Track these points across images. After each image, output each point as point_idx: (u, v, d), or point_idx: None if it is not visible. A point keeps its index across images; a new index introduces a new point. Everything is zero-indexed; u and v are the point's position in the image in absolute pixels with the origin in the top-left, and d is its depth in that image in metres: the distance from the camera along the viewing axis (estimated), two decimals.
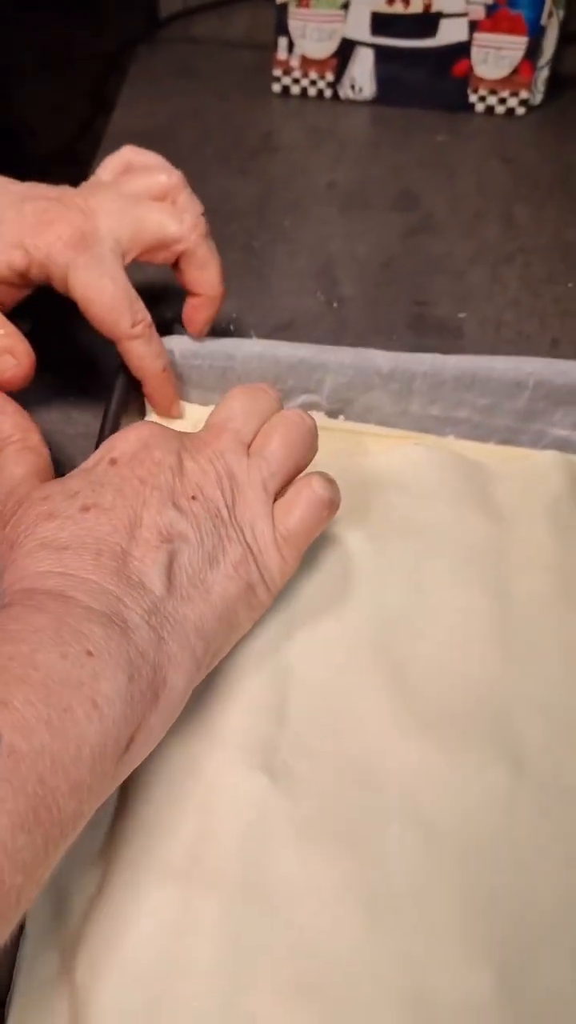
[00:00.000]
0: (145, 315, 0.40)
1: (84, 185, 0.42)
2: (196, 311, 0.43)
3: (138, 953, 0.28)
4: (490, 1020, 0.27)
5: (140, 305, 0.40)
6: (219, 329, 0.50)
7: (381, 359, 0.43)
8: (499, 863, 0.30)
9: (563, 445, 0.44)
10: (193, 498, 0.33)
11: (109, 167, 0.44)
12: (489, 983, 0.27)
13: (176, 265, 0.42)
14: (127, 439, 0.34)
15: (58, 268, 0.38)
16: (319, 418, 0.44)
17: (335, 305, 0.52)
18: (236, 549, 0.33)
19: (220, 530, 0.33)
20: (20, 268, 0.39)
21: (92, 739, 0.26)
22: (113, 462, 0.33)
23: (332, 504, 0.36)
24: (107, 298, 0.39)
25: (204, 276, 0.42)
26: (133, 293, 0.40)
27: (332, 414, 0.45)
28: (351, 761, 0.32)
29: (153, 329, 0.41)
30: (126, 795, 0.32)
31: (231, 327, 0.51)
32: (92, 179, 0.44)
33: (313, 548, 0.38)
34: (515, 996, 0.27)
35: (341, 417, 0.45)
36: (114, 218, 0.40)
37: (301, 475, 0.36)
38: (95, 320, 0.39)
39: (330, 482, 0.36)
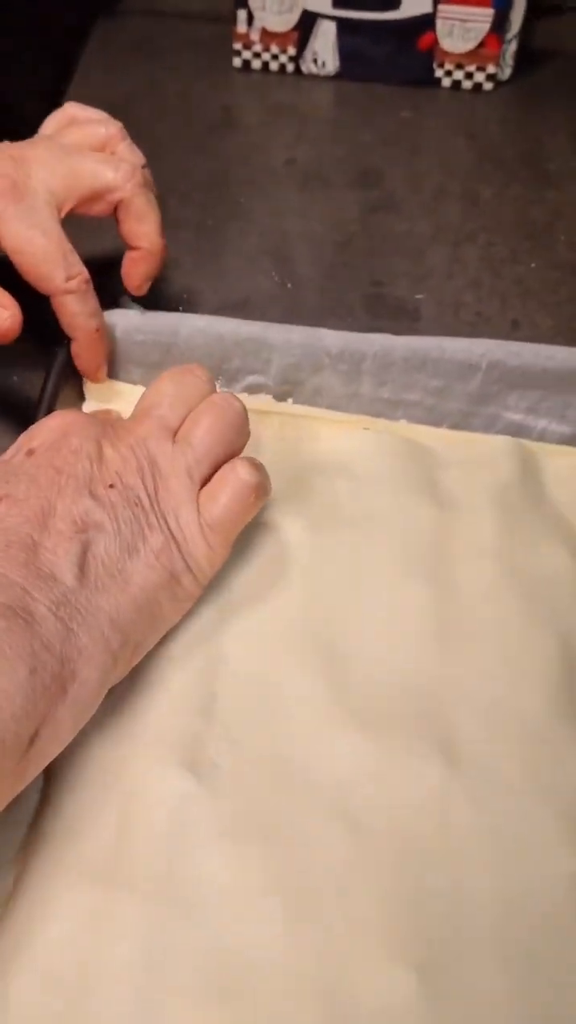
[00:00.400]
0: (81, 270, 0.38)
1: (26, 140, 0.41)
2: (135, 265, 0.41)
3: (53, 955, 0.27)
4: (411, 1022, 0.26)
5: (76, 259, 0.38)
6: (169, 308, 0.49)
7: (330, 339, 0.42)
8: (428, 860, 0.29)
9: (517, 430, 0.43)
10: (111, 486, 0.31)
11: (52, 122, 0.43)
12: (411, 984, 0.26)
13: (115, 218, 0.41)
14: (46, 428, 0.33)
15: None
16: (268, 402, 0.43)
17: (289, 286, 0.51)
18: (157, 537, 0.32)
19: (140, 518, 0.31)
20: None
21: None
22: (30, 452, 0.32)
23: (259, 489, 0.34)
24: (38, 249, 0.37)
25: (142, 228, 0.40)
26: (68, 246, 0.38)
27: (281, 396, 0.43)
28: (280, 757, 0.31)
29: (90, 286, 0.39)
30: (48, 793, 0.30)
31: (181, 308, 0.49)
32: (36, 136, 0.42)
33: (251, 537, 0.37)
34: (438, 998, 0.26)
35: (290, 400, 0.43)
36: (48, 168, 0.38)
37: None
38: (27, 273, 0.38)
39: (257, 467, 0.35)
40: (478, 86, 0.65)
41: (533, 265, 0.53)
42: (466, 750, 0.32)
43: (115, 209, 0.40)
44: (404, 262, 0.52)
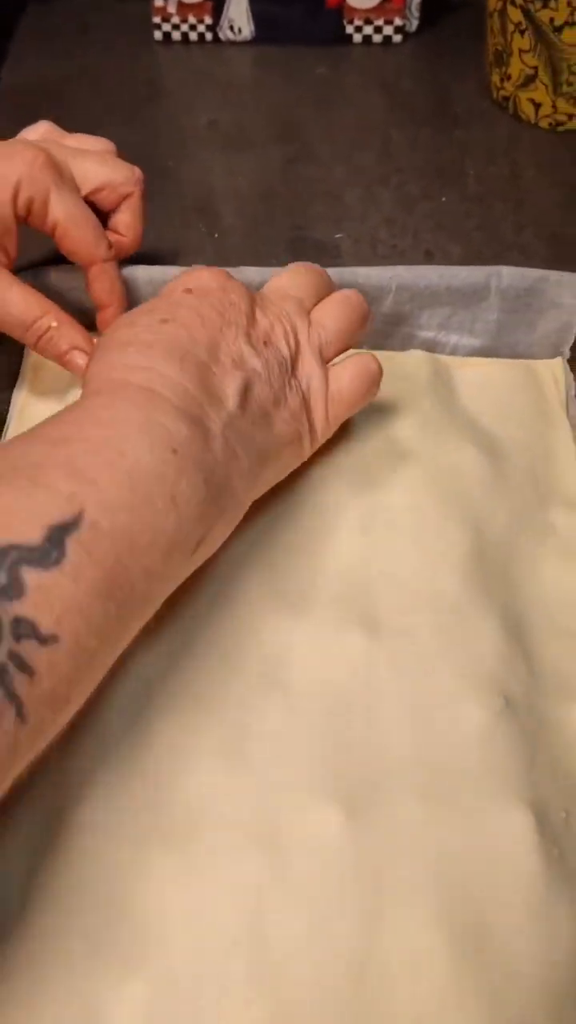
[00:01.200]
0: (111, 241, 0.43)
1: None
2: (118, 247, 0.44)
3: (23, 818, 0.30)
4: (339, 852, 0.30)
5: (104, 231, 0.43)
6: None
7: (251, 272, 0.45)
8: (353, 715, 0.33)
9: (432, 346, 0.47)
10: (265, 344, 0.35)
11: (33, 133, 0.46)
12: (339, 820, 0.30)
13: (110, 212, 0.44)
14: (202, 277, 0.36)
15: (39, 190, 0.40)
16: None
17: (216, 236, 0.54)
18: (295, 398, 0.35)
19: (284, 378, 0.35)
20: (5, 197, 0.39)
21: (168, 532, 0.28)
22: (189, 291, 0.35)
23: (378, 381, 0.38)
24: (90, 221, 0.41)
25: (135, 222, 0.45)
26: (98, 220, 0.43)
27: None
28: (219, 636, 0.35)
29: None
30: None
31: None
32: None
33: None
34: (362, 830, 0.30)
35: None
36: (77, 156, 0.42)
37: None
38: (77, 243, 0.41)
39: (379, 364, 0.38)
40: (388, 39, 0.69)
41: (444, 199, 0.56)
42: (387, 623, 0.35)
43: (118, 201, 0.44)
44: (323, 207, 0.56)
